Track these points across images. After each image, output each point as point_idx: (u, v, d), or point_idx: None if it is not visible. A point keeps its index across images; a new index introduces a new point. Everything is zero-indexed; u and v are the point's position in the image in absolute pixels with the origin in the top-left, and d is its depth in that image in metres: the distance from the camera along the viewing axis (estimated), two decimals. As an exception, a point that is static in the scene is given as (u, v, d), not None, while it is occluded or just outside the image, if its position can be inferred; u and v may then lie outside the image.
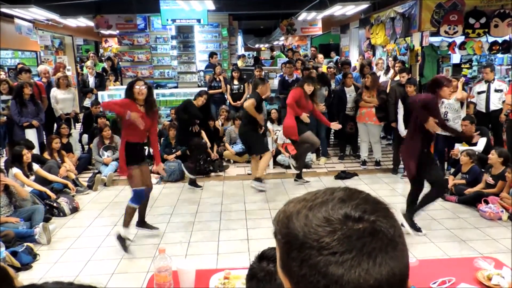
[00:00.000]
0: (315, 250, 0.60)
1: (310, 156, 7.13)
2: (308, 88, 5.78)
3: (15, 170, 5.26)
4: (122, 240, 4.11)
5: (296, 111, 5.75)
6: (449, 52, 8.22)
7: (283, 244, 0.65)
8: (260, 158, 5.96)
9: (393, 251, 0.61)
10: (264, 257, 1.60)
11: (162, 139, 7.11)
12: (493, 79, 6.56)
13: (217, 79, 8.41)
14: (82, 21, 10.95)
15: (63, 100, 7.53)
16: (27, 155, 5.38)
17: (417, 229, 4.34)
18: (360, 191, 0.68)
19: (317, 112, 6.00)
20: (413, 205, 4.35)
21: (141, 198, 4.24)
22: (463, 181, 5.42)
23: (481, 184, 5.20)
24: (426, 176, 4.26)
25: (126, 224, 4.18)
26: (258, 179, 5.81)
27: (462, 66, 8.91)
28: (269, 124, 7.27)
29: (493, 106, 6.52)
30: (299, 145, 5.95)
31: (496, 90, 6.48)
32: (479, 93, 6.68)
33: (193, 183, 6.12)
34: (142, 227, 4.52)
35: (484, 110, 6.61)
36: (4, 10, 8.53)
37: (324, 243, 0.60)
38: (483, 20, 7.38)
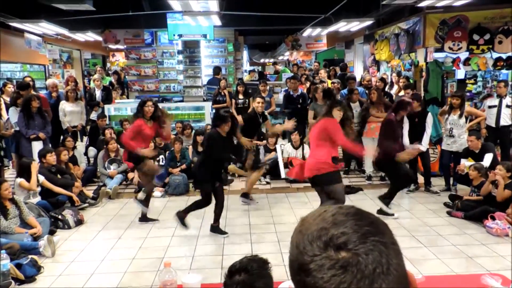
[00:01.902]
0: (296, 269, 0.64)
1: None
2: (338, 114, 4.54)
3: (19, 180, 5.31)
4: (141, 201, 5.20)
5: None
6: (454, 68, 8.26)
7: (288, 258, 0.69)
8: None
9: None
10: (234, 271, 1.64)
11: (167, 152, 7.15)
12: (506, 95, 6.55)
13: (222, 93, 8.47)
14: (91, 36, 11.13)
15: (71, 112, 7.62)
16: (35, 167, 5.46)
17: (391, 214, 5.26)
18: (361, 215, 0.67)
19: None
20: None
21: (163, 178, 5.39)
22: (480, 198, 5.30)
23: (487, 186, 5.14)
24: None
25: (146, 191, 5.27)
26: (245, 195, 5.86)
27: (467, 81, 8.94)
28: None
29: (503, 122, 6.50)
30: (322, 194, 4.70)
31: (508, 106, 6.48)
32: (490, 107, 6.67)
33: (216, 229, 4.94)
34: (145, 221, 5.30)
35: (493, 125, 6.59)
36: (14, 24, 8.70)
37: (304, 267, 0.63)
38: (487, 37, 7.43)
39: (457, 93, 6.47)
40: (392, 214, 5.26)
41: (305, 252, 0.63)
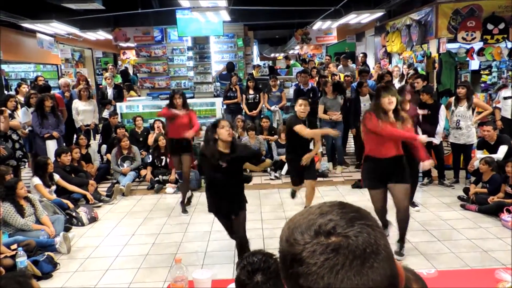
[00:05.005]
0: (289, 262, 0.65)
1: (327, 165, 7.09)
2: (387, 100, 3.74)
3: (36, 181, 5.39)
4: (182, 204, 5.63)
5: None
6: (467, 59, 8.10)
7: (279, 256, 0.71)
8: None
9: (361, 268, 0.61)
10: (254, 270, 1.64)
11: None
12: None
13: (233, 89, 8.48)
14: (101, 34, 11.22)
15: (83, 111, 7.71)
16: (50, 165, 5.54)
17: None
18: (344, 205, 0.69)
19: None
20: None
21: (180, 177, 5.81)
22: (485, 190, 5.30)
23: (501, 194, 5.07)
24: None
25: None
26: None
27: (481, 72, 8.76)
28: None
29: None
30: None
31: None
32: (505, 98, 6.53)
33: None
34: (182, 205, 5.63)
35: (509, 116, 6.45)
36: (26, 25, 8.82)
37: (297, 257, 0.64)
38: (501, 26, 7.26)
39: (463, 83, 6.27)
40: None
41: (296, 243, 0.65)
